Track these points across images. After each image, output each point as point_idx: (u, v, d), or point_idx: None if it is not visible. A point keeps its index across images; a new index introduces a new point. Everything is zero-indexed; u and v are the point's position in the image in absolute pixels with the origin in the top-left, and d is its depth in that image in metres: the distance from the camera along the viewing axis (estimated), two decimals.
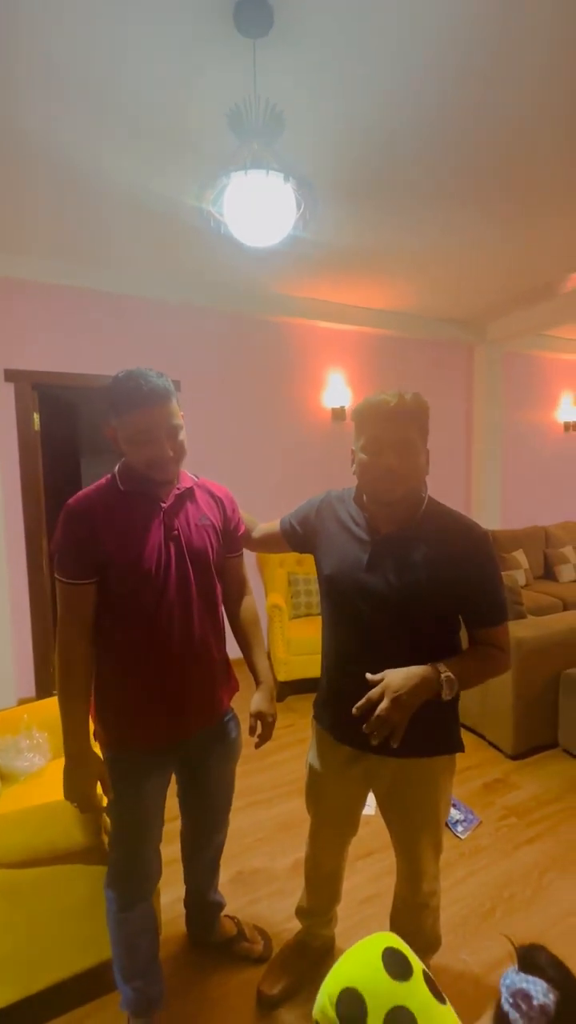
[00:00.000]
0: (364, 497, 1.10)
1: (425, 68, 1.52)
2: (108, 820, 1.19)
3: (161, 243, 2.65)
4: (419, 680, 0.94)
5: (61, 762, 1.12)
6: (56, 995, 1.29)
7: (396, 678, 0.94)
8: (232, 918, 1.50)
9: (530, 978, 0.53)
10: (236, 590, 1.32)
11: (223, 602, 1.28)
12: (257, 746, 1.24)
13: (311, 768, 1.25)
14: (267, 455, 3.66)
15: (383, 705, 0.91)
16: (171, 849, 1.29)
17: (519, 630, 2.41)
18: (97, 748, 1.14)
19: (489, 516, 4.49)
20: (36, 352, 2.91)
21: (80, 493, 1.10)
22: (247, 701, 1.27)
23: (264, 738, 1.25)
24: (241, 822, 1.99)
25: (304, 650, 3.03)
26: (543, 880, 1.71)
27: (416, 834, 1.16)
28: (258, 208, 1.35)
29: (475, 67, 1.53)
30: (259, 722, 1.24)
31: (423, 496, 1.08)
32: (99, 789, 1.11)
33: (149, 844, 1.18)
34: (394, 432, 1.00)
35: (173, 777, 1.26)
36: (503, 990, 0.54)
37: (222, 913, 1.48)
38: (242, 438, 3.56)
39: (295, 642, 3.05)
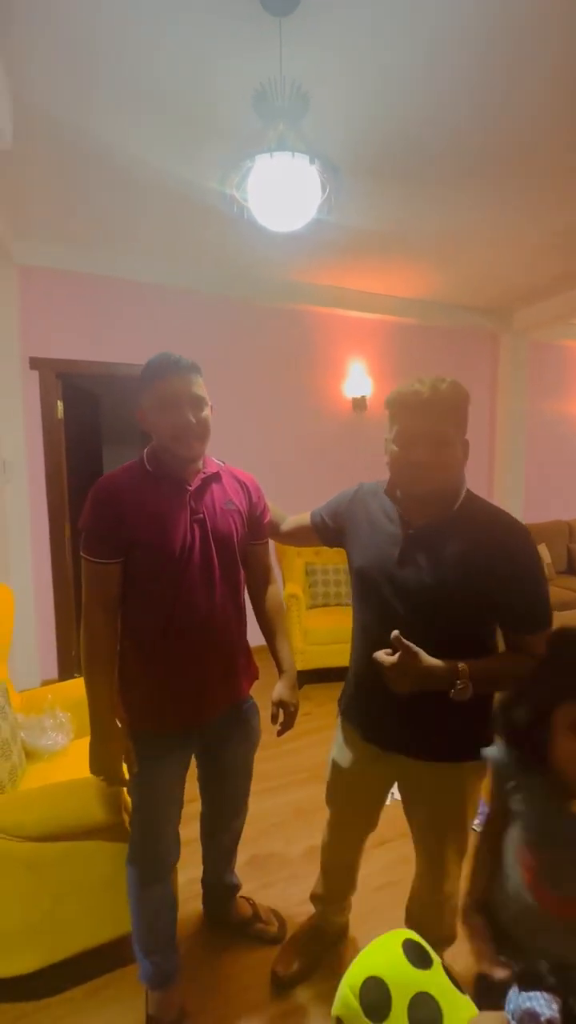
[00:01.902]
0: (396, 490, 1.06)
1: (453, 45, 1.47)
2: (129, 799, 1.21)
3: (184, 231, 2.64)
4: (435, 668, 0.91)
5: (84, 741, 1.14)
6: (78, 964, 1.33)
7: (422, 656, 0.91)
8: (248, 900, 1.53)
9: (532, 994, 0.53)
10: (261, 577, 1.31)
11: (248, 590, 1.28)
12: (279, 734, 1.25)
13: (335, 764, 1.23)
14: (288, 444, 3.65)
15: (392, 659, 0.91)
16: (189, 830, 1.30)
17: None
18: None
19: (511, 509, 4.35)
20: (60, 340, 2.94)
21: (108, 474, 1.12)
22: (269, 688, 1.27)
23: (286, 727, 1.26)
24: (257, 807, 1.99)
25: (321, 639, 3.03)
26: None
27: (442, 837, 1.12)
28: (282, 192, 1.33)
29: (505, 45, 1.47)
30: (281, 711, 1.25)
31: (460, 489, 1.02)
32: (124, 766, 1.13)
33: (167, 825, 1.20)
34: (426, 425, 0.95)
35: (193, 760, 1.28)
36: (509, 1017, 0.54)
37: (238, 895, 1.51)
38: (263, 427, 3.55)
39: (312, 631, 3.05)
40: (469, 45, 1.47)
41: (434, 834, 1.14)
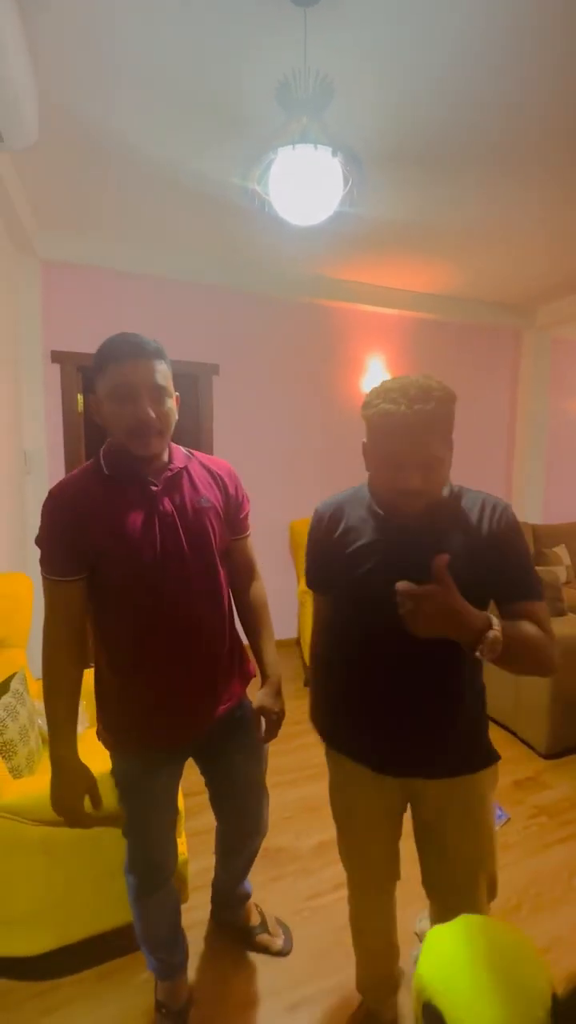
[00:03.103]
0: (378, 500, 0.98)
1: (479, 35, 1.44)
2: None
3: (205, 226, 2.64)
4: (469, 609, 0.78)
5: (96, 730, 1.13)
6: (91, 948, 1.36)
7: (453, 595, 0.78)
8: (258, 907, 1.48)
9: None
10: (243, 574, 1.21)
11: (231, 587, 1.17)
12: (263, 743, 1.17)
13: (343, 812, 1.09)
14: (306, 442, 3.64)
15: (424, 590, 0.76)
16: (202, 821, 1.29)
17: (558, 627, 2.32)
18: (99, 747, 1.11)
19: (530, 510, 4.34)
20: (81, 335, 2.97)
21: (62, 481, 1.01)
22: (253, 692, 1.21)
23: (270, 735, 1.15)
24: None
25: None
26: (573, 882, 1.67)
27: (472, 869, 0.99)
28: (304, 185, 1.32)
29: (533, 35, 1.43)
30: (263, 718, 1.14)
31: (444, 490, 0.95)
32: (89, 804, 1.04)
33: (161, 834, 1.13)
34: (414, 449, 0.84)
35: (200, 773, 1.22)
36: None
37: (248, 901, 1.46)
38: (281, 425, 3.55)
39: None
40: (496, 35, 1.44)
41: (462, 869, 0.99)
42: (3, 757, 1.40)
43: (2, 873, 1.23)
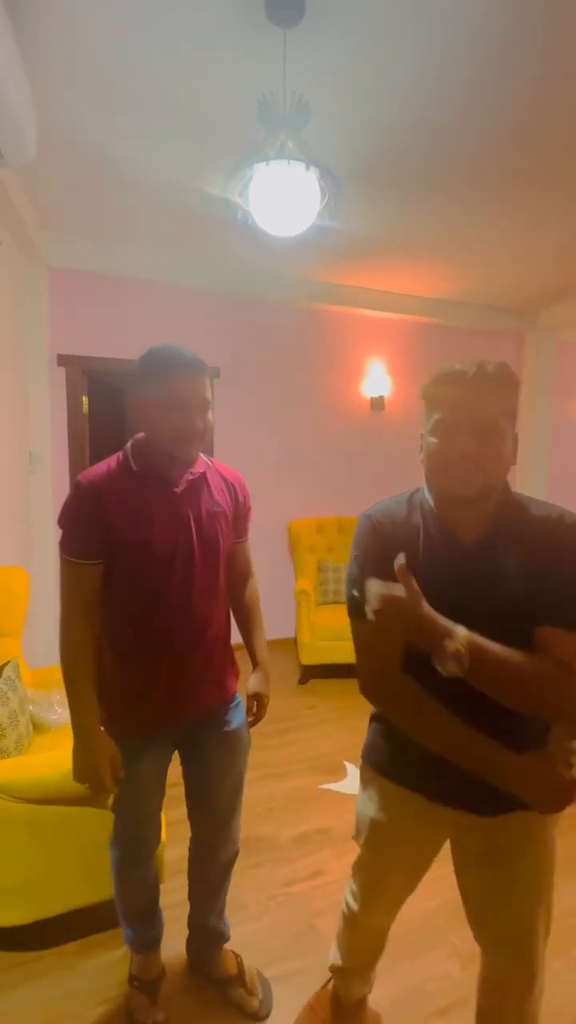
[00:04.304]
0: (433, 498, 0.87)
1: (448, 60, 1.50)
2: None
3: (201, 234, 2.72)
4: (434, 618, 0.73)
5: None
6: (73, 922, 1.43)
7: (424, 602, 0.73)
8: (237, 957, 1.36)
9: None
10: (241, 574, 1.30)
11: (229, 585, 1.25)
12: (251, 725, 1.26)
13: (373, 823, 1.01)
14: (305, 444, 3.69)
15: (396, 594, 0.73)
16: (180, 812, 1.29)
17: None
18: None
19: None
20: (86, 338, 3.08)
21: (91, 470, 1.08)
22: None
23: (258, 718, 1.26)
24: (253, 793, 2.08)
25: (328, 636, 3.08)
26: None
27: (532, 911, 0.88)
28: (282, 198, 1.38)
29: (505, 57, 1.48)
30: (255, 703, 1.25)
31: (508, 490, 0.87)
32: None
33: (147, 812, 1.19)
34: (472, 410, 0.79)
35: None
36: None
37: (225, 945, 1.36)
38: (280, 426, 3.61)
39: (320, 628, 3.10)
40: (470, 56, 1.49)
41: (521, 912, 0.89)
42: None
43: None
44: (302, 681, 3.17)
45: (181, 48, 1.49)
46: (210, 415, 1.07)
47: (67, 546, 1.04)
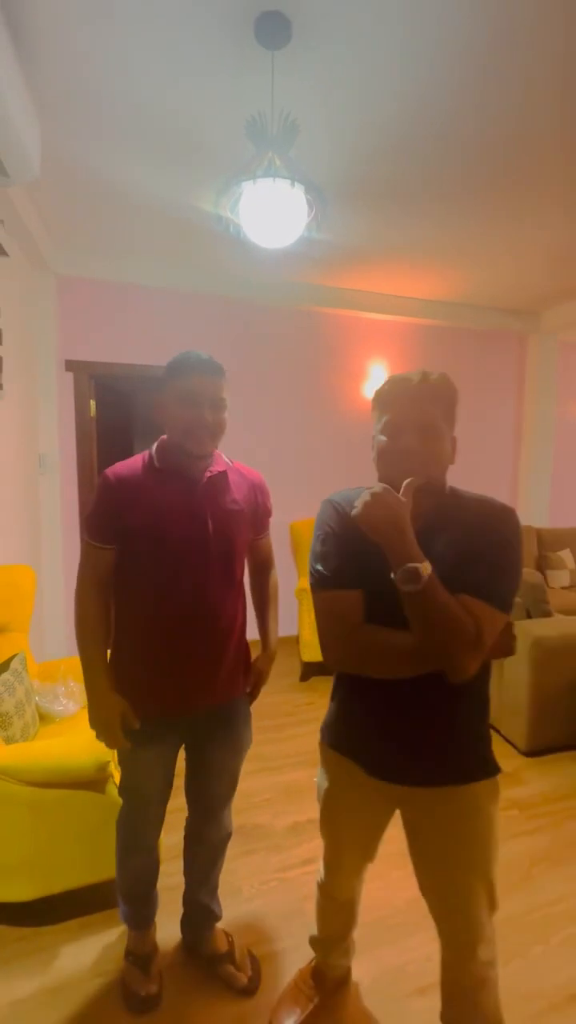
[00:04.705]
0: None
1: (433, 75, 1.57)
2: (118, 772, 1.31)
3: (199, 245, 2.82)
4: (409, 535, 0.82)
5: None
6: (72, 899, 1.51)
7: (403, 510, 0.83)
8: (228, 935, 1.42)
9: None
10: (262, 565, 1.39)
11: (250, 574, 1.36)
12: (252, 696, 1.34)
13: (325, 792, 1.12)
14: (307, 446, 3.76)
15: (381, 492, 0.84)
16: (178, 802, 1.35)
17: (543, 629, 2.38)
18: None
19: (537, 514, 4.34)
20: (93, 344, 3.18)
21: (118, 464, 1.17)
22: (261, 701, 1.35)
23: (253, 695, 1.34)
24: (250, 784, 2.15)
25: None
26: (532, 871, 1.74)
27: (466, 880, 0.97)
28: (270, 213, 1.45)
29: (482, 68, 1.53)
30: (256, 679, 1.33)
31: (445, 485, 0.97)
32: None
33: (150, 804, 1.25)
34: (415, 412, 0.91)
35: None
36: None
37: (217, 924, 1.42)
38: (282, 428, 3.68)
39: None
40: (451, 73, 1.56)
41: (456, 879, 0.98)
42: (0, 727, 1.57)
43: None
44: (303, 678, 3.23)
45: (175, 73, 1.57)
46: (224, 414, 1.15)
47: (89, 529, 1.16)
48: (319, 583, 0.96)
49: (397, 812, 1.07)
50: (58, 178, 2.15)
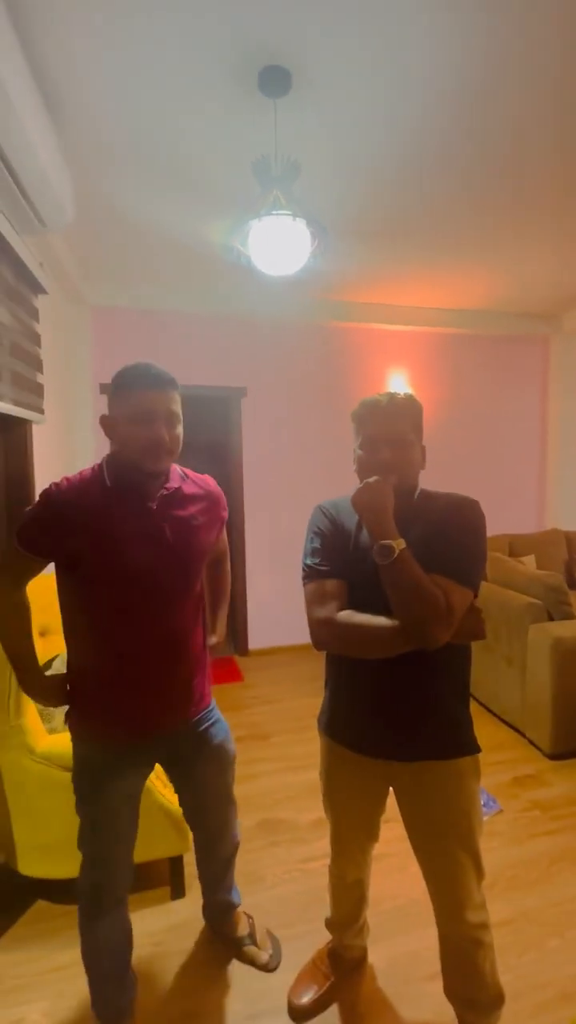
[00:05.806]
0: None
1: (422, 117, 1.73)
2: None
3: (218, 273, 3.03)
4: (389, 518, 0.97)
5: None
6: None
7: (386, 497, 0.99)
8: (249, 917, 1.47)
9: None
10: (217, 559, 1.40)
11: (207, 569, 1.31)
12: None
13: (324, 777, 1.23)
14: (327, 456, 3.85)
15: (377, 484, 1.00)
16: None
17: (563, 629, 2.38)
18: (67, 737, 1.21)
19: (566, 517, 4.28)
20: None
21: (65, 481, 1.08)
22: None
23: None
24: (274, 782, 2.24)
25: None
26: (551, 868, 1.75)
27: (451, 847, 1.06)
28: (275, 245, 1.59)
29: (476, 94, 1.63)
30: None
31: (417, 486, 1.10)
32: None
33: (113, 853, 1.15)
34: (387, 429, 1.04)
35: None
36: None
37: (238, 910, 1.48)
38: (303, 440, 3.80)
39: None
40: (435, 117, 1.67)
41: (442, 846, 1.07)
42: (43, 720, 1.72)
43: (38, 808, 1.55)
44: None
45: (190, 122, 1.75)
46: (179, 429, 1.10)
47: (20, 534, 1.06)
48: (308, 575, 1.09)
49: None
50: (89, 220, 2.37)
